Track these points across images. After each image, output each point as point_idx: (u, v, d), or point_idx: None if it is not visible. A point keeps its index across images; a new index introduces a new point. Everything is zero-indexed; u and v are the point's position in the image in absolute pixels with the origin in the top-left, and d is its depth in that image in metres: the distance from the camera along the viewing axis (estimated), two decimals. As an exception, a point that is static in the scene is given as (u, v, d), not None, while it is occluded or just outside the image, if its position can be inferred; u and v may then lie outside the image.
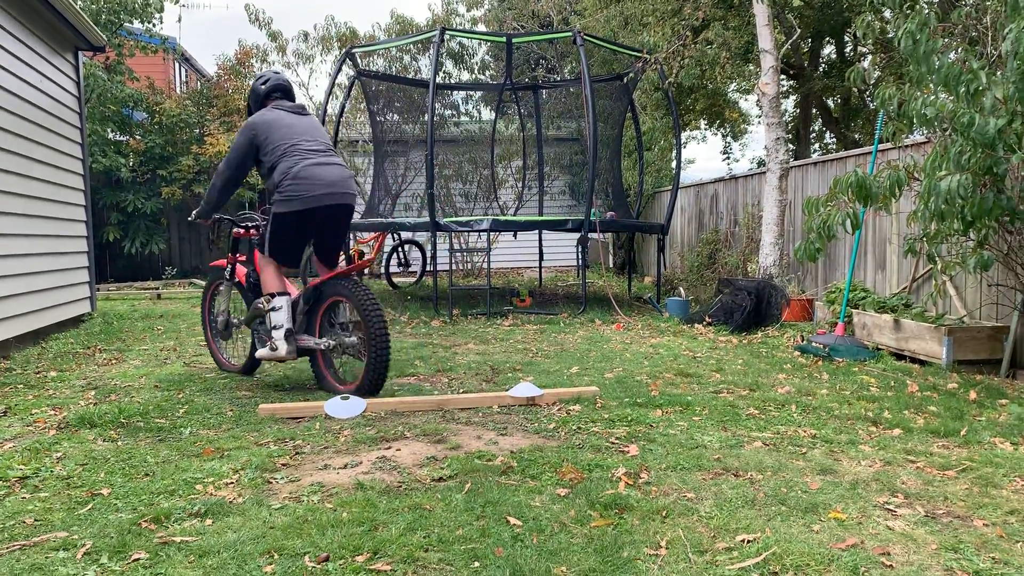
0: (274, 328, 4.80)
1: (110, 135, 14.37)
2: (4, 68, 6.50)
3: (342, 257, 5.35)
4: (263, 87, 5.07)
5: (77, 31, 8.14)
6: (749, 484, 3.14)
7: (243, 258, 5.52)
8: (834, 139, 18.72)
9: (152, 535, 2.64)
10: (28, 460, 3.50)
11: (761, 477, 3.22)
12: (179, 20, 24.80)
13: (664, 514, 2.80)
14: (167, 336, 7.55)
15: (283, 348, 4.76)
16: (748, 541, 2.57)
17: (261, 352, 4.92)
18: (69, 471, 3.35)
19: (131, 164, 14.23)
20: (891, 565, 2.41)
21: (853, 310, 6.69)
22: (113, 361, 6.17)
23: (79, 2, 12.90)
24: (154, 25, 14.44)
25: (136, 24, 14.32)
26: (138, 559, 2.47)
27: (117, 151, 14.09)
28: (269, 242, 4.89)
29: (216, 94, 15.33)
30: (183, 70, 22.04)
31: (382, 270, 12.80)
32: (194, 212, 5.34)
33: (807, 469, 3.34)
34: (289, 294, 4.94)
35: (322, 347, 4.87)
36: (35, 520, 2.81)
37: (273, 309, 4.81)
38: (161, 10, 14.16)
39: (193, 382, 5.27)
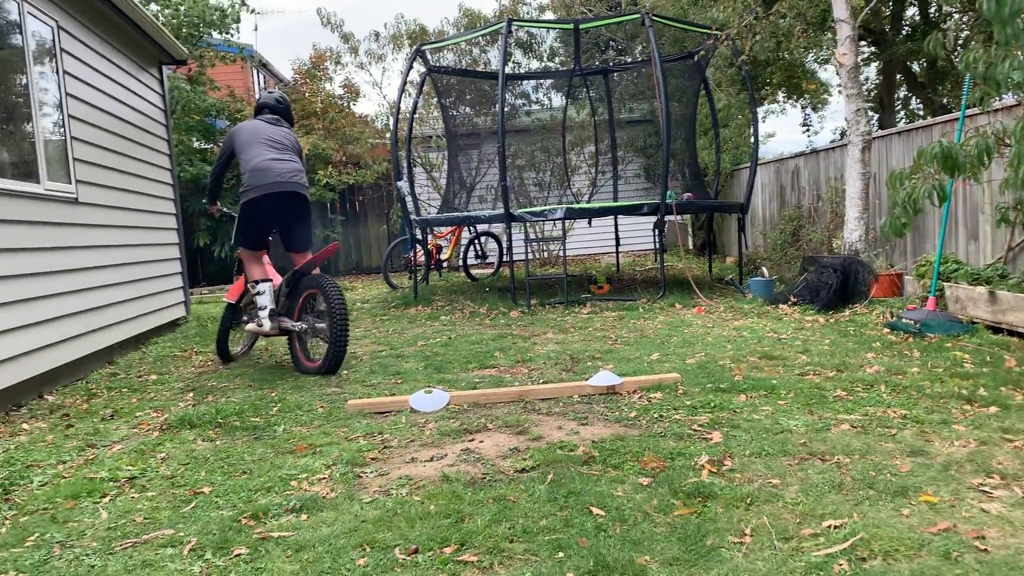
0: (260, 309, 5.75)
1: (195, 144, 14.92)
2: (96, 88, 6.85)
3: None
4: (257, 104, 6.13)
5: (160, 46, 8.49)
6: (836, 468, 3.09)
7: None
8: (920, 105, 17.98)
9: (251, 531, 2.78)
10: (135, 461, 3.71)
11: (848, 461, 3.17)
12: (255, 29, 25.54)
13: (748, 501, 2.79)
14: (258, 336, 7.83)
15: (267, 325, 5.71)
16: (835, 527, 2.54)
17: (249, 326, 5.92)
18: (173, 471, 3.54)
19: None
20: (985, 549, 2.35)
21: (945, 283, 6.45)
22: (209, 363, 6.44)
23: (160, 18, 13.43)
24: (232, 35, 14.90)
25: (215, 35, 14.80)
26: (239, 554, 2.60)
27: (203, 159, 14.62)
28: (236, 229, 5.80)
29: (293, 98, 15.74)
30: (261, 76, 22.67)
31: (460, 263, 12.96)
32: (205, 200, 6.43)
33: (897, 451, 3.26)
34: (271, 281, 5.84)
35: (296, 329, 5.76)
36: (144, 519, 2.98)
37: (258, 293, 5.75)
38: (238, 20, 14.60)
39: (284, 380, 5.47)
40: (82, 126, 6.49)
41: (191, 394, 5.20)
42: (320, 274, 5.67)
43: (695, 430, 3.71)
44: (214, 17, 14.07)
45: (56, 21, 6.13)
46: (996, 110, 6.27)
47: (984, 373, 4.52)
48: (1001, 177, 5.53)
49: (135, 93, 7.96)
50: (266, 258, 6.05)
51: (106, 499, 3.23)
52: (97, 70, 6.93)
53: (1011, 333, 5.60)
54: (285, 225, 5.78)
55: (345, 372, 5.65)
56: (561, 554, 2.46)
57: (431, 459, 3.51)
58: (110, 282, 6.71)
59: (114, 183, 7.07)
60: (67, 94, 6.24)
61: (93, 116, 6.73)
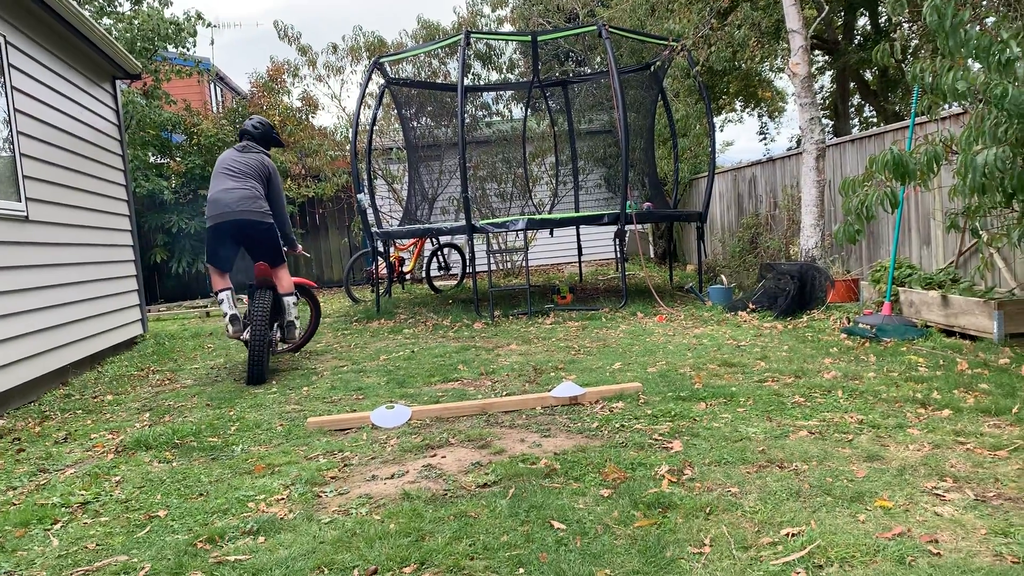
0: (223, 315, 6.19)
1: (151, 159, 14.69)
2: (46, 103, 6.71)
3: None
4: (239, 132, 6.59)
5: (113, 61, 8.36)
6: (794, 475, 3.12)
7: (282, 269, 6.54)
8: (873, 112, 18.35)
9: (207, 555, 2.73)
10: (88, 485, 3.63)
11: (806, 467, 3.20)
12: (212, 43, 25.27)
13: (708, 511, 2.81)
14: (216, 354, 7.73)
15: (229, 329, 6.13)
16: (793, 535, 2.56)
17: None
18: (127, 494, 3.47)
19: (173, 186, 14.54)
20: (939, 553, 2.38)
21: (899, 288, 6.57)
22: (166, 382, 6.33)
23: (114, 32, 13.23)
24: (188, 49, 14.72)
25: (171, 49, 14.61)
26: (195, 579, 2.55)
27: (159, 174, 14.41)
28: (205, 251, 6.37)
29: (251, 111, 15.59)
30: (218, 90, 22.43)
31: (423, 275, 12.91)
32: None
33: (853, 457, 3.30)
34: (230, 288, 6.27)
35: (244, 337, 6.15)
36: (97, 545, 2.91)
37: (220, 301, 6.23)
38: (194, 34, 14.42)
39: (243, 398, 5.39)
40: (32, 143, 6.35)
41: (147, 414, 5.10)
42: (260, 289, 6.12)
43: (656, 439, 3.73)
44: (169, 31, 13.88)
45: (3, 36, 6.00)
46: (944, 118, 6.42)
47: (937, 376, 4.60)
48: (951, 184, 5.66)
49: (87, 108, 7.83)
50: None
51: (57, 526, 3.15)
52: (48, 85, 6.80)
53: (963, 336, 5.72)
54: (245, 246, 6.23)
55: (305, 389, 5.59)
56: (522, 570, 2.45)
57: (392, 476, 3.48)
58: (63, 301, 6.57)
59: (66, 200, 6.93)
60: (16, 110, 6.11)
61: (44, 132, 6.60)
